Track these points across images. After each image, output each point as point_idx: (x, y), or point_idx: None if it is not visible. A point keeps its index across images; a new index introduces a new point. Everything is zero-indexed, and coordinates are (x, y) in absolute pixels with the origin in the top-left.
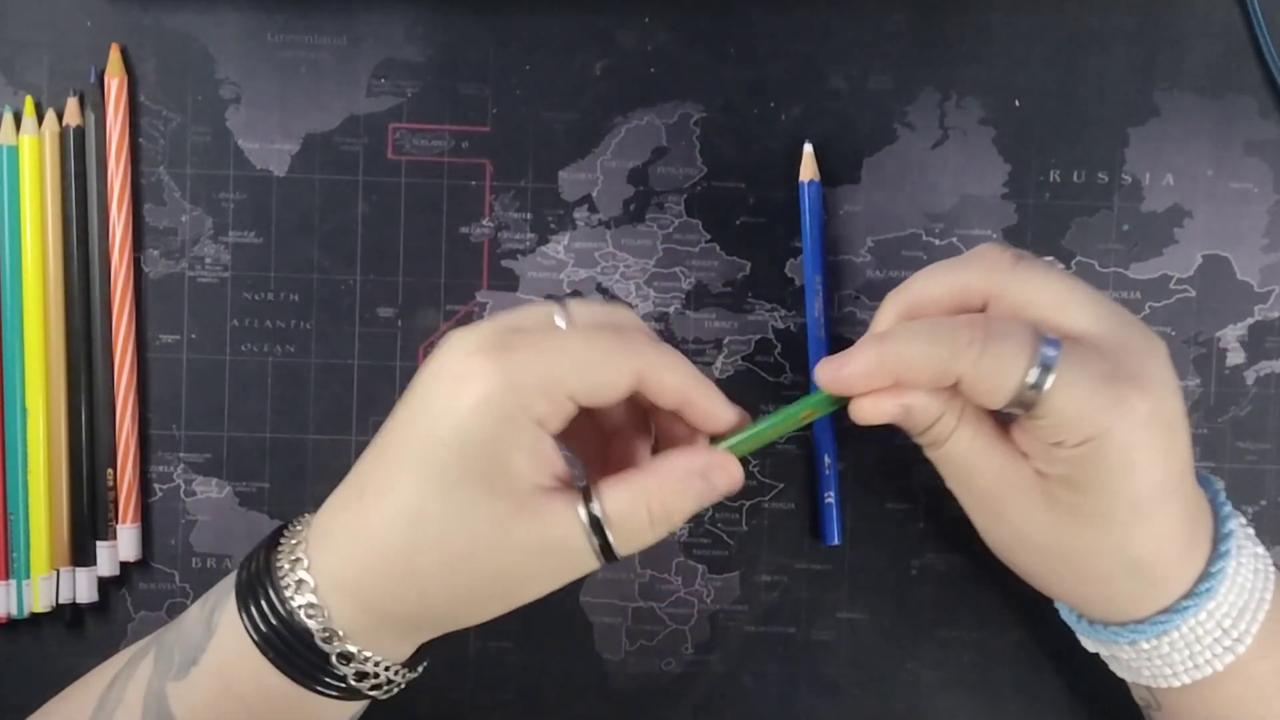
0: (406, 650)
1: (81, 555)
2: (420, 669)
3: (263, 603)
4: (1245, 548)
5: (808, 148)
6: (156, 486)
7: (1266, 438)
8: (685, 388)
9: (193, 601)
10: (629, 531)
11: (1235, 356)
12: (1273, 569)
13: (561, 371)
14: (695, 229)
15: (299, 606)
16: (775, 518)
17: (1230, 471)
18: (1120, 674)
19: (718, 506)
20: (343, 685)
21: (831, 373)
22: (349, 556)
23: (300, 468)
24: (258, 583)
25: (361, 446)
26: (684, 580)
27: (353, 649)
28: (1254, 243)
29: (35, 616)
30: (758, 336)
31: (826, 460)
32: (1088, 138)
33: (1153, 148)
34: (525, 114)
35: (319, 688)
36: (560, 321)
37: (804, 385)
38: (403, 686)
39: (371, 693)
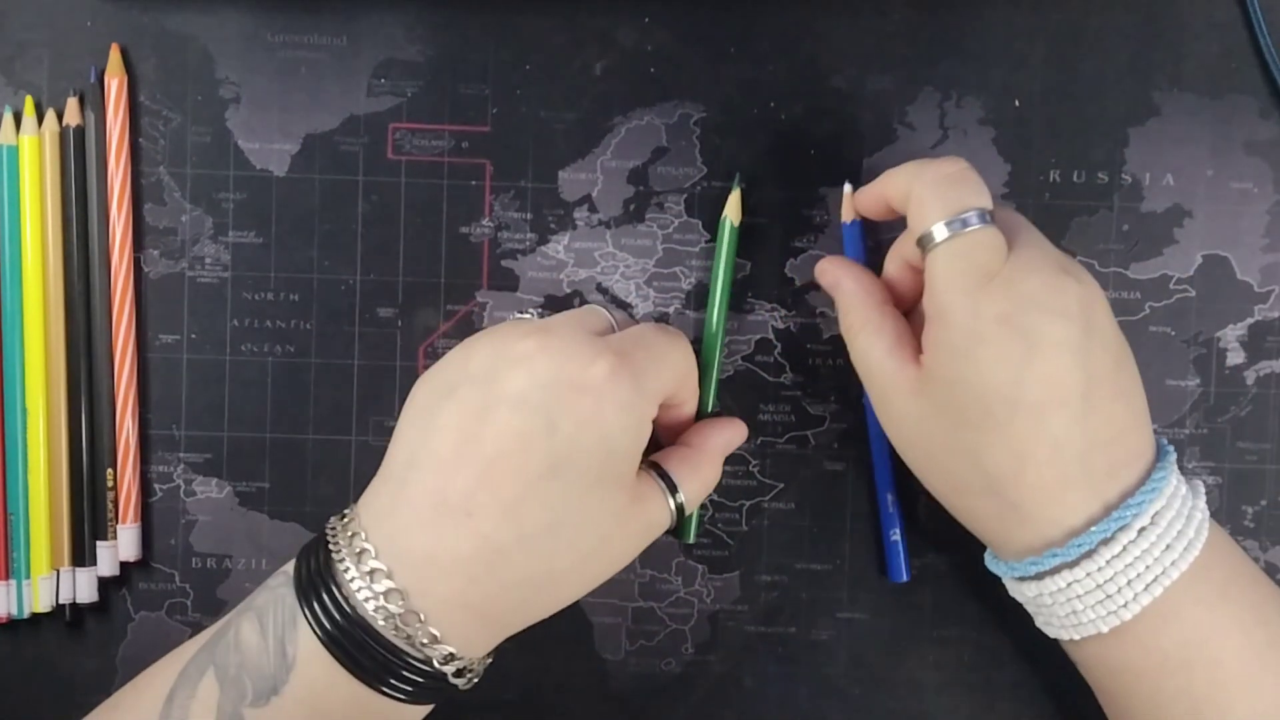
0: (494, 643)
1: (81, 555)
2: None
3: (396, 668)
4: (1174, 506)
5: (847, 188)
6: (156, 486)
7: (1266, 438)
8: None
9: (193, 604)
10: (692, 506)
11: (1235, 356)
12: (1211, 537)
13: (671, 376)
14: (695, 229)
15: (434, 656)
16: (775, 518)
17: (1230, 471)
18: (1037, 621)
19: (718, 507)
20: (421, 680)
21: (857, 196)
22: (471, 580)
23: (300, 468)
24: (374, 644)
25: (362, 446)
26: (684, 580)
27: (447, 649)
28: (1254, 243)
29: (35, 616)
30: (758, 336)
31: (890, 499)
32: (1088, 138)
33: (1153, 148)
34: (525, 114)
35: (395, 687)
36: (607, 322)
37: (804, 385)
38: (480, 676)
39: (455, 680)
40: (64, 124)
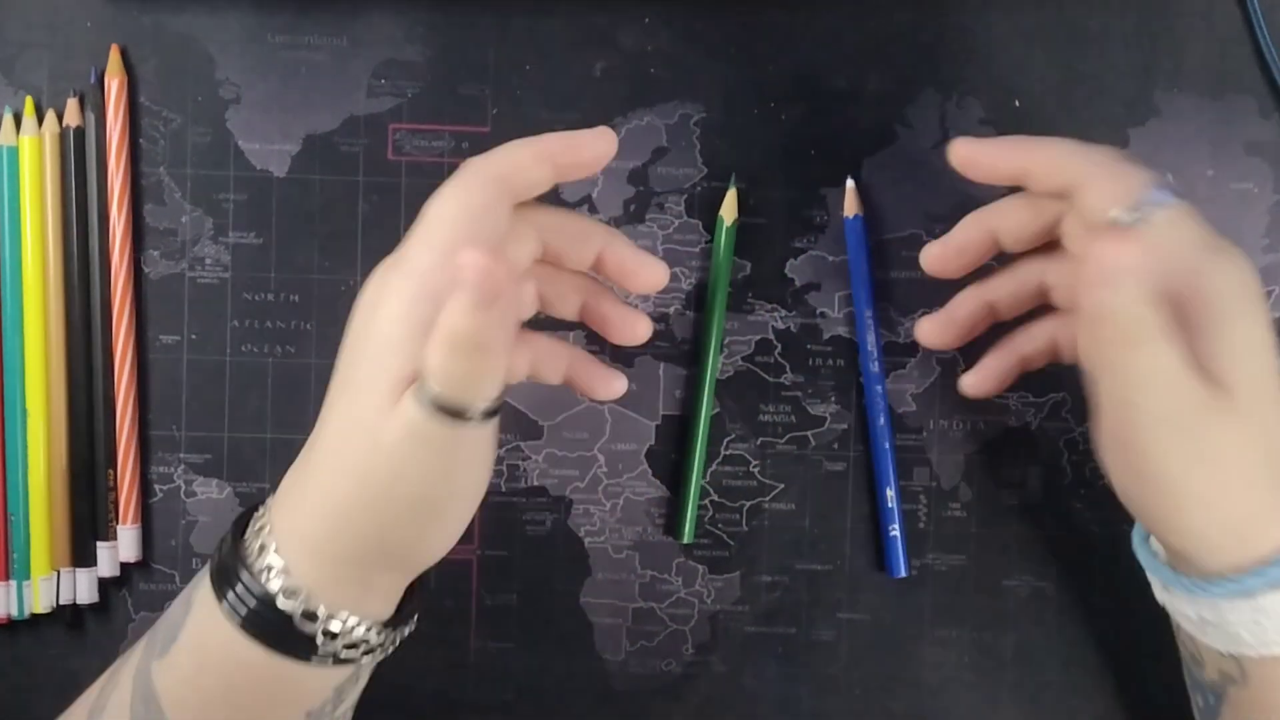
0: (387, 606)
1: (81, 556)
2: (406, 630)
3: (238, 586)
4: None
5: (850, 184)
6: (156, 487)
7: None
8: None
9: None
10: (456, 380)
11: None
12: None
13: (453, 231)
14: (695, 229)
15: (272, 583)
16: (775, 518)
17: None
18: (1202, 637)
19: (718, 507)
20: (326, 655)
21: (971, 148)
22: (305, 512)
23: None
24: (229, 565)
25: None
26: (684, 581)
27: (336, 625)
28: (1254, 243)
29: (35, 617)
30: (758, 337)
31: (890, 494)
32: (1088, 138)
33: (1153, 148)
34: (525, 114)
35: (304, 658)
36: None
37: (804, 385)
38: (388, 650)
39: (359, 657)
40: (64, 125)
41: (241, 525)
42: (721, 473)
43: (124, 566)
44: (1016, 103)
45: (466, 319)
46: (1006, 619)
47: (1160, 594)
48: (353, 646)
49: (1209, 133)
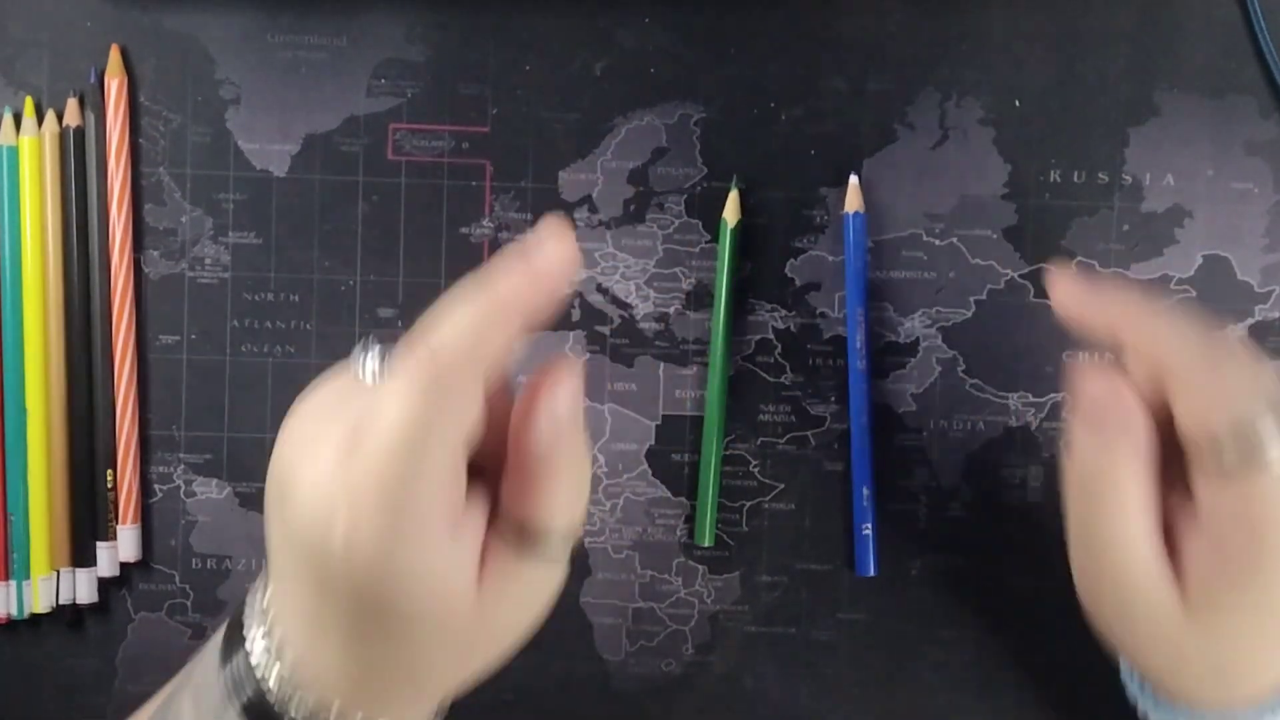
0: (426, 714)
1: (81, 556)
2: None
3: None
4: None
5: (853, 179)
6: (156, 487)
7: None
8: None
9: (193, 606)
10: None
11: None
12: None
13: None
14: (695, 229)
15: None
16: (775, 518)
17: None
18: None
19: (718, 507)
20: None
21: (1074, 290)
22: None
23: None
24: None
25: None
26: (684, 581)
27: None
28: (1254, 243)
29: (35, 617)
30: (758, 337)
31: (865, 492)
32: (1088, 138)
33: (1153, 148)
34: (525, 114)
35: None
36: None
37: (804, 385)
38: None
39: None
40: (64, 124)
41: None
42: (722, 472)
43: (124, 566)
44: (1017, 103)
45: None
46: (1006, 619)
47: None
48: None
49: (1209, 133)
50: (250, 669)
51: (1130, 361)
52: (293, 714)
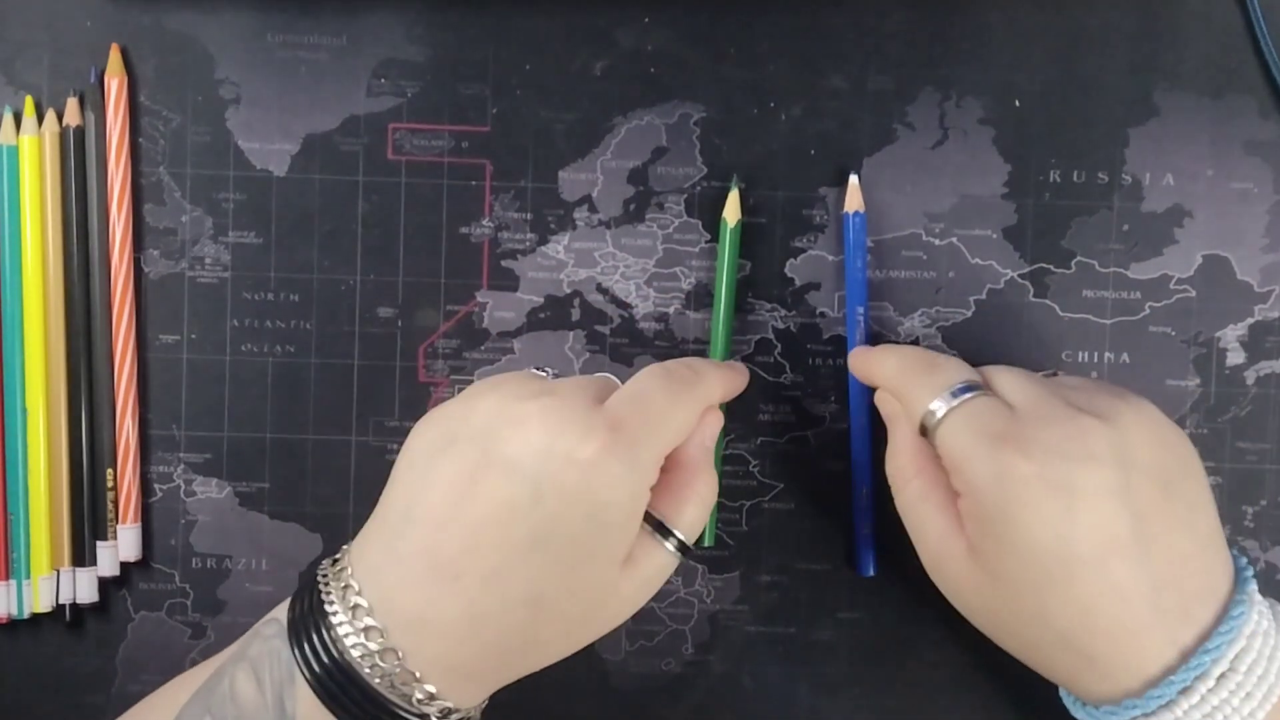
0: (485, 694)
1: (81, 555)
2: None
3: (363, 702)
4: (1255, 646)
5: (853, 179)
6: (156, 486)
7: (1266, 438)
8: (728, 393)
9: (193, 605)
10: (697, 531)
11: (1235, 356)
12: None
13: (674, 438)
14: (695, 229)
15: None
16: (775, 518)
17: (1230, 471)
18: None
19: (718, 507)
20: None
21: (855, 358)
22: (459, 642)
23: (300, 468)
24: (344, 682)
25: (361, 446)
26: (684, 580)
27: (444, 703)
28: (1254, 243)
29: (35, 617)
30: (758, 337)
31: (865, 492)
32: (1088, 138)
33: (1153, 148)
34: (525, 114)
35: None
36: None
37: (804, 385)
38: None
39: None
40: (64, 124)
41: (321, 613)
42: (721, 472)
43: (124, 566)
44: (1016, 103)
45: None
46: None
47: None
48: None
49: (1209, 133)
50: (331, 641)
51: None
52: (384, 692)
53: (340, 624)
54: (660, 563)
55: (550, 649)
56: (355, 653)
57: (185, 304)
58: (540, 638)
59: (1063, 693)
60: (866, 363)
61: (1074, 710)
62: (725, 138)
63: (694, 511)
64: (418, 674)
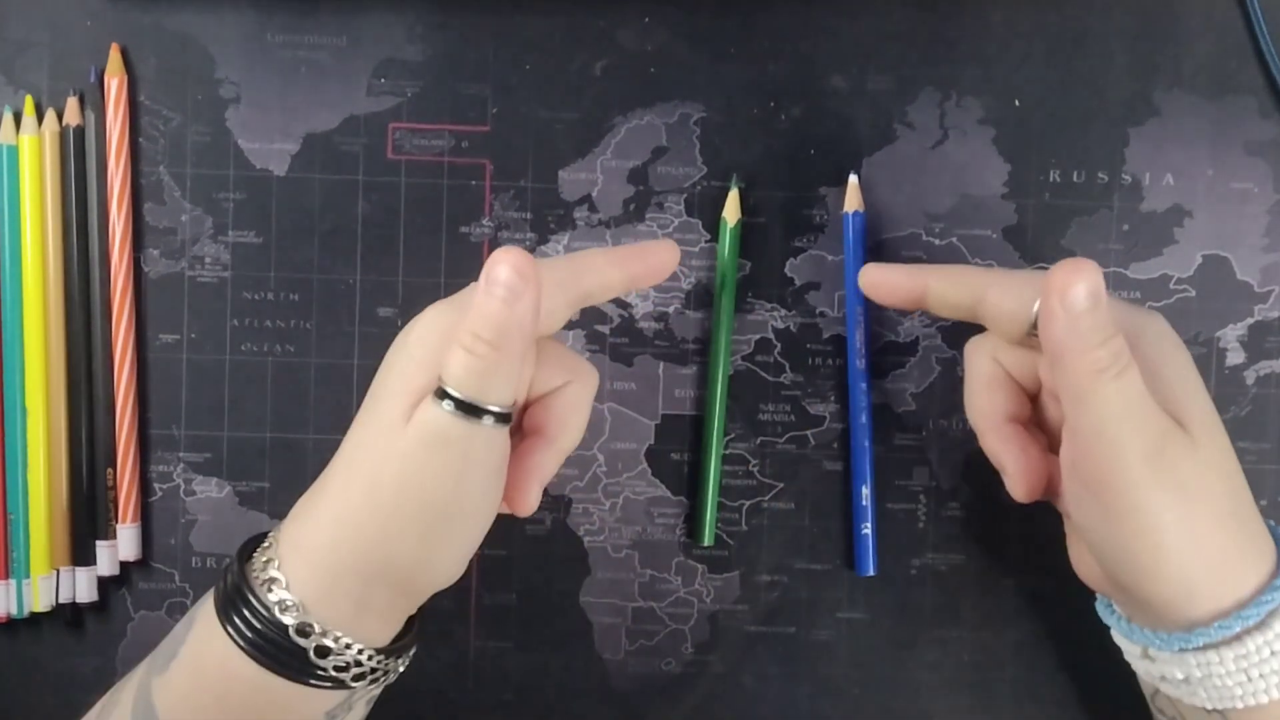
0: (384, 630)
1: (81, 555)
2: (405, 659)
3: (238, 600)
4: None
5: (853, 179)
6: (156, 486)
7: (1266, 438)
8: (615, 267)
9: (192, 602)
10: (465, 384)
11: (1235, 356)
12: None
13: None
14: (695, 229)
15: (270, 596)
16: (775, 518)
17: None
18: (1190, 698)
19: (718, 506)
20: (324, 676)
21: (872, 277)
22: (312, 525)
23: (300, 468)
24: (233, 582)
25: None
26: (684, 580)
27: (329, 642)
28: (1254, 243)
29: (35, 616)
30: (758, 336)
31: (865, 492)
32: (1088, 138)
33: (1153, 148)
34: (525, 114)
35: (295, 677)
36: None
37: (804, 385)
38: (389, 677)
39: (350, 680)
40: (64, 124)
41: (251, 544)
42: (721, 472)
43: (124, 565)
44: (1016, 102)
45: (489, 312)
46: (1006, 619)
47: (1139, 663)
48: (344, 668)
49: (1209, 133)
50: (243, 569)
51: (936, 307)
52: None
53: (253, 566)
54: (430, 417)
55: (341, 505)
56: (251, 577)
57: (185, 304)
58: (377, 522)
59: (1125, 632)
60: (903, 277)
61: (1151, 640)
62: (725, 138)
63: (461, 358)
64: (284, 579)
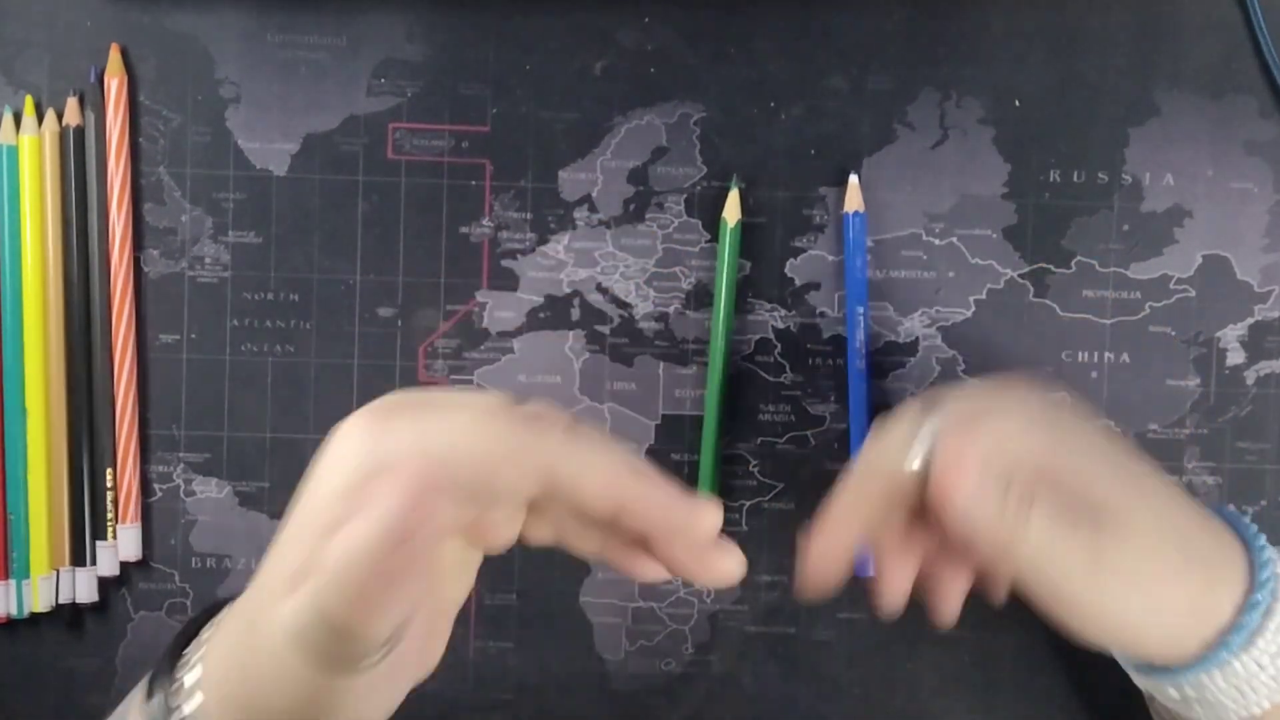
0: None
1: (81, 555)
2: None
3: (155, 696)
4: None
5: (853, 179)
6: (156, 486)
7: (1266, 438)
8: (614, 488)
9: (192, 603)
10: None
11: (1235, 356)
12: None
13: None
14: (695, 229)
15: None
16: (775, 518)
17: (1230, 471)
18: (1188, 713)
19: None
20: None
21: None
22: (224, 637)
23: (300, 468)
24: (157, 675)
25: None
26: (684, 580)
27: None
28: (1254, 243)
29: (35, 616)
30: (758, 336)
31: None
32: (1088, 138)
33: (1153, 148)
34: (525, 114)
35: None
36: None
37: (804, 385)
38: None
39: None
40: (64, 124)
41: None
42: (721, 472)
43: (124, 566)
44: (1016, 103)
45: (360, 549)
46: (1006, 619)
47: (1141, 680)
48: None
49: (1209, 133)
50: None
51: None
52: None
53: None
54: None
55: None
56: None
57: (185, 304)
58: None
59: (1145, 669)
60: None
61: (1126, 667)
62: (725, 138)
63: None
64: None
